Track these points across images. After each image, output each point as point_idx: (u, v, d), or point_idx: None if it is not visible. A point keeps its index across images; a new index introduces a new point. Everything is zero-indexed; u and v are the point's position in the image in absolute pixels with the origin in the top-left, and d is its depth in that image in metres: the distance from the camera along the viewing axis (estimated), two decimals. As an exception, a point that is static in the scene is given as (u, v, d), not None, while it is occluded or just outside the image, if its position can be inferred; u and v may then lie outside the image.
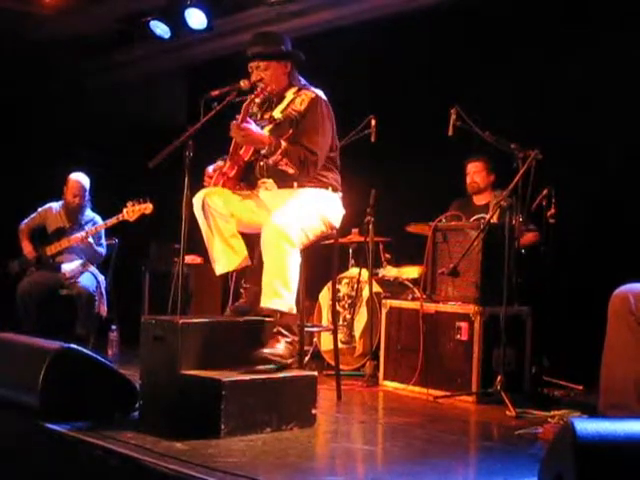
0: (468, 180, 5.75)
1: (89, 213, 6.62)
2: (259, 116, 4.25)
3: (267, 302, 3.81)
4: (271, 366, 3.63)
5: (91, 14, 7.36)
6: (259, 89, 4.13)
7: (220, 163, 4.28)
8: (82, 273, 6.32)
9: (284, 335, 3.77)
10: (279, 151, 3.93)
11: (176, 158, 3.94)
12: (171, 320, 3.60)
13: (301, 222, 3.91)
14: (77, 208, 6.54)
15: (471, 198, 5.77)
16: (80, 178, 6.56)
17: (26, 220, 6.67)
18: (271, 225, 3.82)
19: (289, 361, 3.73)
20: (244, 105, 4.11)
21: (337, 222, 4.25)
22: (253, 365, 3.60)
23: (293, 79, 4.27)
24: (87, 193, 6.57)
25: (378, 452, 3.51)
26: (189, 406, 3.45)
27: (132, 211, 6.18)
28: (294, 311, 3.86)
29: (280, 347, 3.72)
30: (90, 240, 6.34)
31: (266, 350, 3.66)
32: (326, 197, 4.16)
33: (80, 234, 6.36)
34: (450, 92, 5.66)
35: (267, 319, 3.85)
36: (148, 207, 6.19)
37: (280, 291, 3.79)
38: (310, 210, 4.02)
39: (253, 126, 4.00)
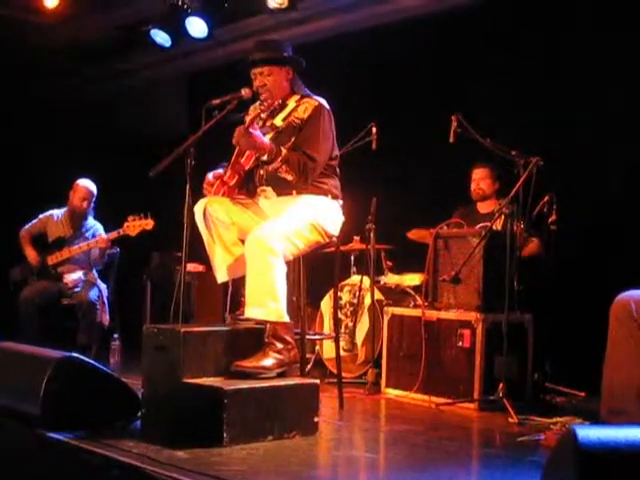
0: (473, 186, 5.71)
1: (91, 221, 6.62)
2: (261, 124, 4.25)
3: (250, 312, 3.81)
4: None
5: (92, 22, 7.39)
6: (265, 104, 4.12)
7: (221, 171, 4.27)
8: (84, 283, 6.32)
9: (274, 346, 3.74)
10: (279, 158, 3.94)
11: (177, 167, 3.94)
12: (173, 329, 3.60)
13: (287, 232, 3.89)
14: (82, 214, 6.53)
15: (475, 206, 5.75)
16: (88, 184, 6.56)
17: (27, 226, 6.65)
18: (253, 236, 3.82)
19: (274, 372, 3.69)
20: (253, 114, 4.11)
21: (335, 230, 4.22)
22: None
23: (295, 86, 4.27)
24: (94, 199, 6.58)
25: (380, 460, 3.51)
26: (191, 414, 3.44)
27: (133, 226, 6.13)
28: (284, 319, 3.82)
29: (266, 360, 3.68)
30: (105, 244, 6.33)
31: (246, 363, 3.62)
32: (324, 205, 4.15)
33: (99, 237, 6.33)
34: (451, 99, 5.68)
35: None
36: (149, 223, 6.14)
37: (264, 301, 3.77)
38: (300, 219, 3.99)
39: (257, 132, 3.99)
